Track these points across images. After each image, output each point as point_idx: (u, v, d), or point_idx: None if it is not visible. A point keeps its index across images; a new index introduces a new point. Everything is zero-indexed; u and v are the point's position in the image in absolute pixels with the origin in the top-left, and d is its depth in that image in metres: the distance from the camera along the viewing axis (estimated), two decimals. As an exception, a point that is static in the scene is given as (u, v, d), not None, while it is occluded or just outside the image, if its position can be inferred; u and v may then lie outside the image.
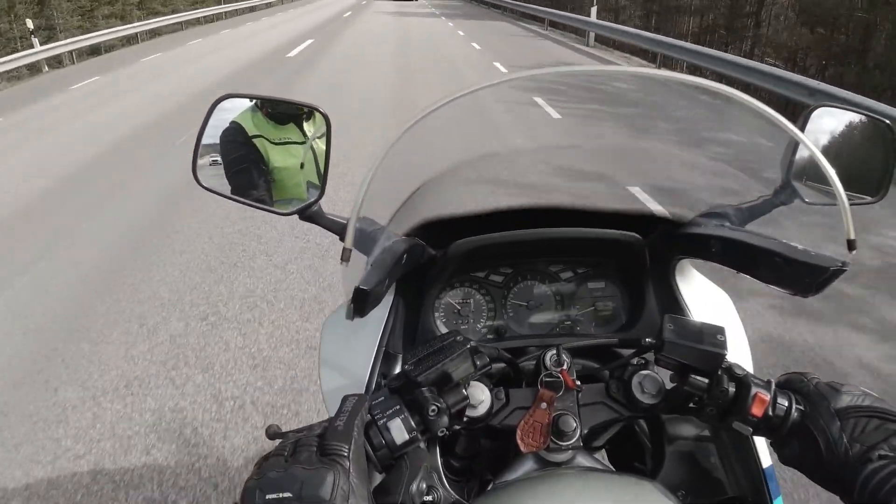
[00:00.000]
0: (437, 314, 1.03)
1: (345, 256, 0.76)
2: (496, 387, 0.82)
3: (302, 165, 0.95)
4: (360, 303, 0.71)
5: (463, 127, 6.62)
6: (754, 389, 0.70)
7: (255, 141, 0.99)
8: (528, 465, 0.81)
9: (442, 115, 0.73)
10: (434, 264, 0.96)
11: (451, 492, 0.82)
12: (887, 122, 0.96)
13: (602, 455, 0.95)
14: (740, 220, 0.93)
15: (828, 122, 0.93)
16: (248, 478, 0.58)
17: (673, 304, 0.99)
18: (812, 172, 0.89)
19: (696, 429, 0.90)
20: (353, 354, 0.92)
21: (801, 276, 0.75)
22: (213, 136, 0.94)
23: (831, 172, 0.72)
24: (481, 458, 0.95)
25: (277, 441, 0.63)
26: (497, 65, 12.10)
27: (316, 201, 0.89)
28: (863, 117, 0.96)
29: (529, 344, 0.96)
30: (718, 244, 0.87)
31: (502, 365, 0.87)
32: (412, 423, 0.67)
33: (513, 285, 1.06)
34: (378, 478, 0.68)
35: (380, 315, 0.94)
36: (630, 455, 0.97)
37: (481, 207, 0.95)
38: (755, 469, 0.85)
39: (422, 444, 0.69)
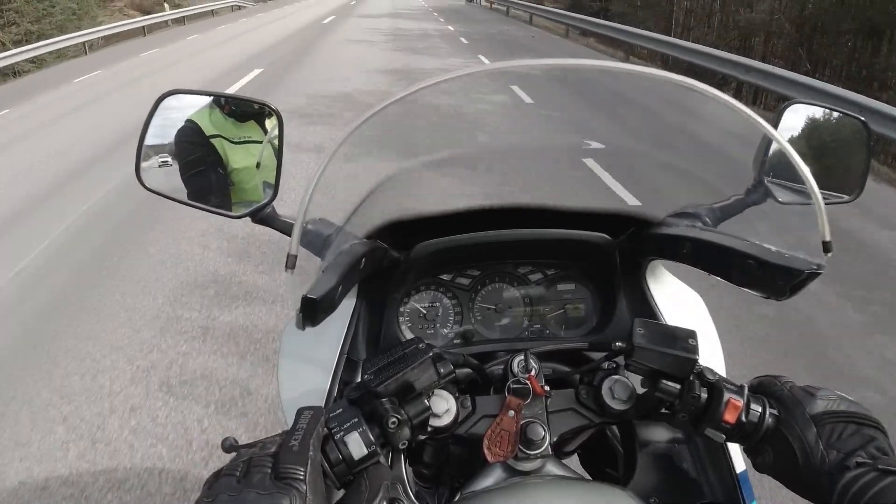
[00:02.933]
0: (401, 319, 1.00)
1: (289, 264, 0.71)
2: (462, 394, 0.79)
3: (258, 165, 0.92)
4: (310, 312, 0.67)
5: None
6: (727, 395, 0.68)
7: (214, 141, 0.95)
8: (496, 474, 0.79)
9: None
10: (397, 267, 0.92)
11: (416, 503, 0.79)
12: (862, 119, 0.94)
13: (574, 461, 0.92)
14: (712, 221, 0.91)
15: (802, 119, 0.92)
16: (198, 499, 0.54)
17: (644, 306, 0.97)
18: (785, 171, 0.87)
19: (669, 433, 0.88)
20: (313, 362, 0.89)
21: (775, 279, 0.73)
22: (160, 135, 0.90)
23: (805, 171, 0.70)
24: (449, 466, 0.92)
25: (231, 454, 0.60)
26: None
27: (269, 203, 0.85)
28: (837, 114, 0.95)
29: (497, 349, 0.93)
30: (690, 245, 0.85)
31: (468, 371, 0.84)
32: (371, 436, 0.64)
33: (480, 288, 1.03)
34: (336, 494, 0.65)
35: (341, 321, 0.90)
36: (602, 460, 0.95)
37: (446, 207, 0.91)
38: (729, 474, 0.83)
39: (381, 459, 0.65)
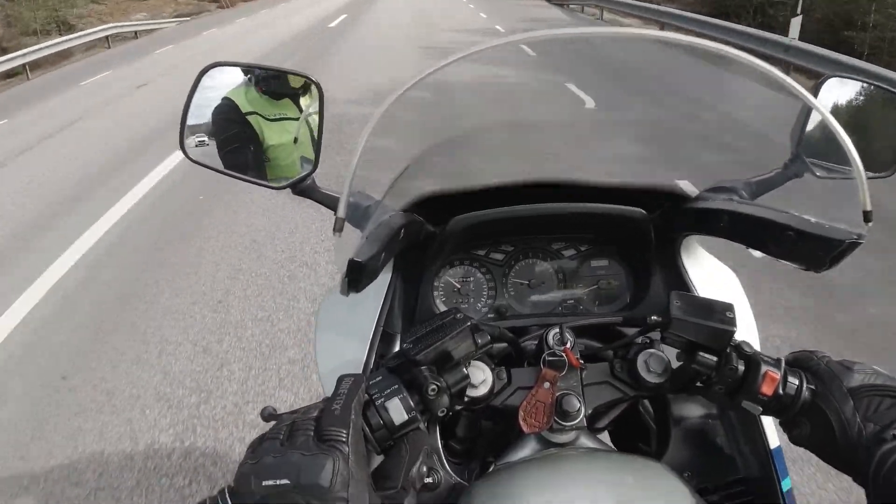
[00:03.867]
0: (436, 293, 1.01)
1: (337, 226, 0.73)
2: (497, 367, 0.80)
3: (296, 140, 0.93)
4: (355, 276, 0.68)
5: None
6: (764, 368, 0.68)
7: (250, 118, 0.97)
8: (530, 446, 0.79)
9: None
10: (433, 241, 0.93)
11: (452, 474, 0.80)
12: (900, 93, 0.93)
13: (605, 437, 0.93)
14: (749, 195, 0.90)
15: (840, 93, 0.91)
16: (241, 462, 0.56)
17: (679, 282, 0.96)
18: (823, 145, 0.86)
19: (703, 409, 0.88)
20: (350, 334, 0.90)
21: (815, 250, 0.72)
22: (200, 112, 0.91)
23: (847, 141, 0.69)
24: (482, 440, 0.93)
25: (272, 423, 0.61)
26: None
27: (309, 174, 0.87)
28: (875, 88, 0.93)
29: (531, 323, 0.94)
30: (727, 219, 0.85)
31: (503, 345, 0.85)
32: (411, 402, 0.65)
33: (514, 263, 1.03)
34: (377, 460, 0.66)
35: (377, 294, 0.92)
36: (634, 436, 0.96)
37: (482, 182, 0.92)
38: (763, 449, 0.83)
39: (421, 425, 0.67)
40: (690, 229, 0.94)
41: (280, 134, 0.97)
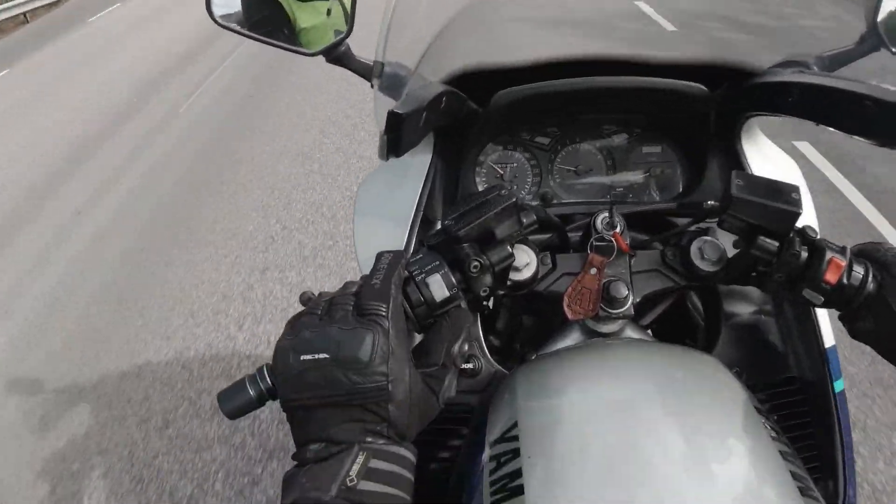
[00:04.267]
0: (478, 177, 0.97)
1: (376, 71, 0.69)
2: (542, 252, 0.76)
3: (329, 12, 0.87)
4: (395, 133, 0.64)
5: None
6: (829, 254, 0.63)
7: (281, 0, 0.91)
8: (574, 336, 0.78)
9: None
10: (474, 120, 0.89)
11: (493, 362, 0.78)
12: None
13: (649, 334, 0.90)
14: (821, 69, 0.83)
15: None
16: (280, 338, 0.54)
17: (737, 168, 0.90)
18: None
19: (755, 304, 0.84)
20: (390, 217, 0.87)
21: (894, 122, 0.66)
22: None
23: None
24: (522, 335, 0.91)
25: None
26: None
27: (342, 40, 0.81)
28: None
29: (578, 211, 0.90)
30: (798, 93, 0.77)
31: (548, 235, 0.81)
32: (452, 279, 0.62)
33: (560, 148, 0.98)
34: (417, 338, 0.64)
35: (417, 176, 0.88)
36: (681, 334, 0.93)
37: (527, 57, 0.85)
38: (817, 348, 0.79)
39: (463, 304, 0.64)
40: (756, 108, 0.87)
41: (312, 16, 0.91)
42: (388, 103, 0.69)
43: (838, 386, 0.79)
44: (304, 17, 0.91)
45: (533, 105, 0.89)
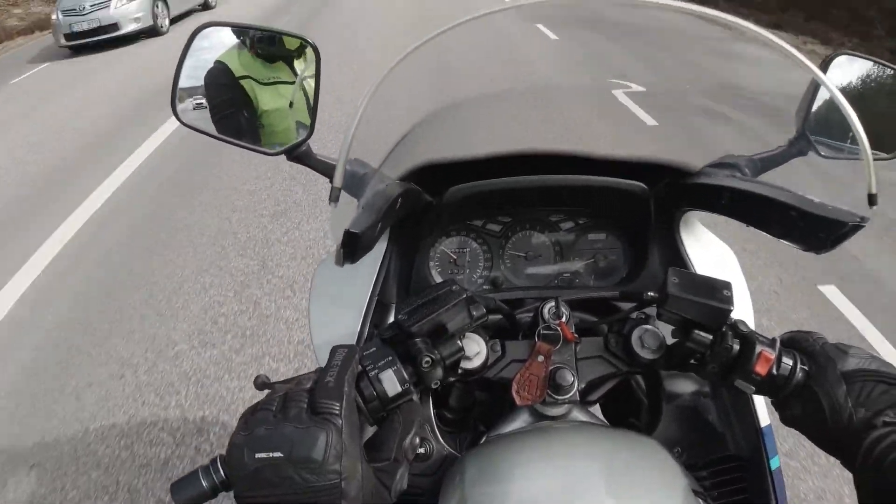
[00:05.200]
0: (432, 263, 1.00)
1: (333, 196, 0.73)
2: (492, 339, 0.79)
3: (291, 104, 0.91)
4: (351, 247, 0.67)
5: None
6: (759, 347, 0.67)
7: (243, 82, 0.94)
8: (522, 418, 0.79)
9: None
10: (430, 211, 0.92)
11: (444, 444, 0.80)
12: (910, 73, 0.91)
13: (596, 410, 0.93)
14: (752, 172, 0.89)
15: (849, 71, 0.89)
16: (234, 432, 0.55)
17: (676, 258, 0.96)
18: (829, 124, 0.85)
19: (695, 386, 0.88)
20: (344, 304, 0.89)
21: (817, 231, 0.71)
22: (193, 74, 0.89)
23: (856, 122, 0.68)
24: (475, 410, 0.93)
25: (265, 392, 0.60)
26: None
27: (304, 140, 0.84)
28: (885, 68, 0.92)
29: (527, 296, 0.93)
30: (728, 195, 0.83)
31: (498, 317, 0.84)
32: (405, 374, 0.64)
33: (511, 235, 1.02)
34: (369, 431, 0.65)
35: (373, 263, 0.91)
36: (625, 410, 0.96)
37: (479, 151, 0.90)
38: (753, 428, 0.83)
39: (415, 397, 0.66)
40: (691, 205, 0.93)
41: (274, 98, 0.94)
42: (346, 212, 0.72)
43: (774, 463, 0.83)
44: (266, 101, 0.94)
45: (484, 198, 0.94)
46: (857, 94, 0.90)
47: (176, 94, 0.87)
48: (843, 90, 0.89)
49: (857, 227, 0.68)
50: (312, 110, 0.85)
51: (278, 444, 0.52)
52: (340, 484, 0.52)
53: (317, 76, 0.86)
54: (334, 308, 0.91)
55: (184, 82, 0.89)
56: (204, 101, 0.90)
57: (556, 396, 0.75)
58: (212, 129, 0.89)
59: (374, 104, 0.69)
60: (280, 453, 0.52)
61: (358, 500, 0.54)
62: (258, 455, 0.52)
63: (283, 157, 0.86)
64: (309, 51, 0.89)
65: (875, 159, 0.83)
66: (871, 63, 0.92)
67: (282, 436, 0.53)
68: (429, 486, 0.77)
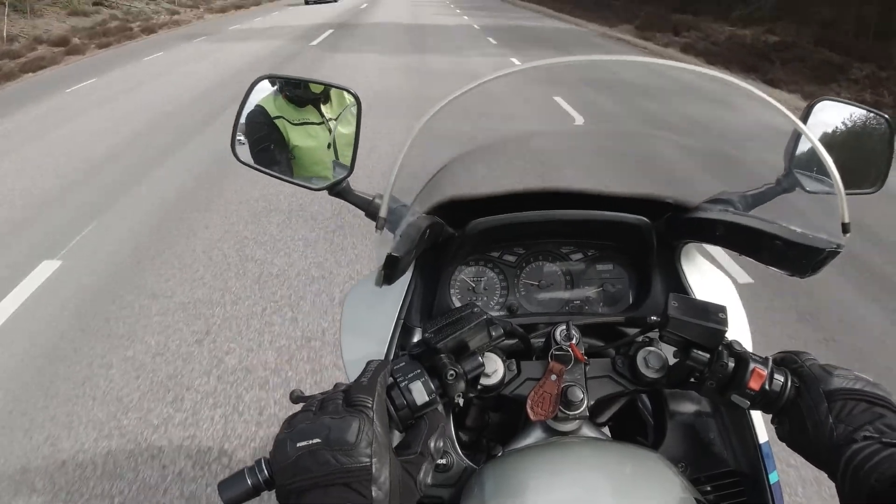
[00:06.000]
0: (452, 290, 1.06)
1: (379, 225, 0.83)
2: (508, 359, 0.85)
3: (329, 145, 1.00)
4: (391, 269, 0.74)
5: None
6: (752, 365, 0.73)
7: (277, 122, 1.03)
8: (536, 434, 0.85)
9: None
10: (452, 242, 0.99)
11: (464, 457, 0.86)
12: (886, 116, 1.00)
13: (606, 431, 0.99)
14: (744, 207, 0.97)
15: (829, 115, 0.98)
16: (278, 433, 0.61)
17: (678, 286, 1.02)
18: (813, 163, 0.93)
19: (697, 405, 0.94)
20: (373, 325, 0.96)
21: (799, 258, 0.79)
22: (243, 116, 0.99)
23: (829, 161, 0.76)
24: (489, 431, 0.98)
25: (301, 405, 0.67)
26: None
27: (345, 178, 0.94)
28: (863, 111, 1.00)
29: (540, 321, 0.99)
30: (723, 228, 0.91)
31: (514, 341, 0.90)
32: (432, 386, 0.71)
33: (525, 265, 1.09)
34: (398, 438, 0.71)
35: (399, 290, 0.97)
36: (632, 431, 1.01)
37: (498, 188, 0.98)
38: (752, 444, 0.88)
39: (440, 407, 0.72)
40: (689, 237, 1.00)
41: (303, 137, 1.04)
42: (385, 238, 0.80)
43: (773, 478, 0.87)
44: (297, 138, 1.03)
45: (502, 231, 1.01)
46: (838, 135, 0.99)
47: (235, 135, 0.97)
48: (826, 132, 0.98)
49: (833, 253, 0.75)
50: (353, 152, 0.95)
51: (316, 433, 0.58)
52: (371, 467, 0.57)
53: (357, 122, 0.97)
54: (363, 329, 0.98)
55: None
56: (243, 136, 0.99)
57: (568, 412, 0.81)
58: (270, 163, 1.00)
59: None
60: (318, 439, 0.57)
61: (385, 485, 0.58)
62: (299, 444, 0.57)
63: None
64: (337, 100, 1.00)
65: (856, 194, 0.91)
66: (851, 107, 1.01)
67: (320, 425, 0.59)
68: (449, 497, 0.82)
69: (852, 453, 0.64)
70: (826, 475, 0.68)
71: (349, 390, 0.64)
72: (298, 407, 0.65)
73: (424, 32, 17.28)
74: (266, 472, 0.62)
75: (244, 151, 0.99)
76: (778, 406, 0.73)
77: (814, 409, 0.69)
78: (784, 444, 0.75)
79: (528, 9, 26.68)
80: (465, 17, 21.64)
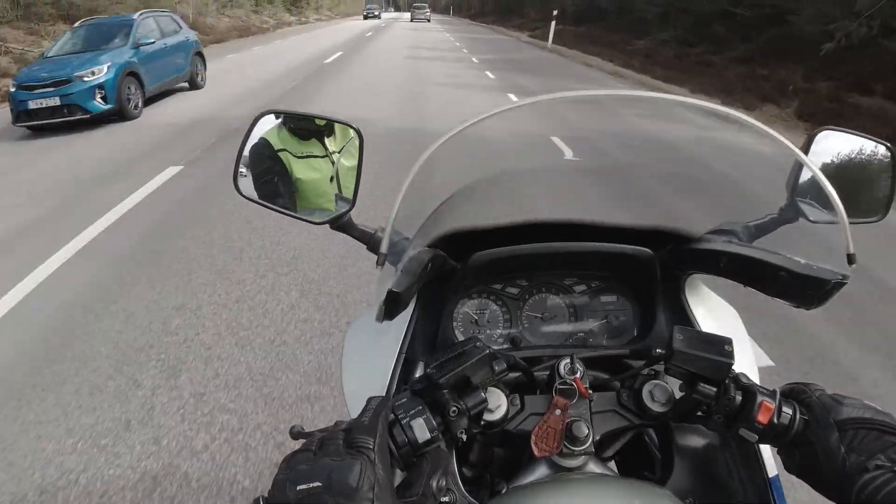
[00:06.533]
0: (455, 323, 1.06)
1: (380, 261, 0.83)
2: (512, 394, 0.84)
3: (332, 179, 1.00)
4: (392, 304, 0.74)
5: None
6: (760, 398, 0.73)
7: (280, 154, 1.04)
8: (541, 471, 0.83)
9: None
10: (454, 275, 0.99)
11: (467, 494, 0.84)
12: (888, 145, 1.00)
13: (612, 465, 0.97)
14: (747, 237, 0.97)
15: (831, 145, 0.98)
16: (276, 474, 0.60)
17: (682, 317, 1.02)
18: (816, 192, 0.93)
19: (705, 438, 0.92)
20: (374, 359, 0.95)
21: (805, 289, 0.78)
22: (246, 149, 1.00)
23: (832, 191, 0.76)
24: (493, 467, 0.97)
25: (301, 441, 0.66)
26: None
27: (347, 212, 0.95)
28: (865, 141, 1.00)
29: (544, 354, 0.98)
30: (727, 259, 0.91)
31: (517, 374, 0.89)
32: (434, 423, 0.70)
33: (528, 297, 1.09)
34: (400, 476, 0.70)
35: (401, 323, 0.97)
36: (639, 466, 1.00)
37: (500, 220, 0.98)
38: (761, 478, 0.87)
39: (442, 445, 0.71)
40: (693, 268, 1.00)
41: (306, 170, 1.04)
42: (387, 272, 0.80)
43: None
44: (300, 171, 1.03)
45: (505, 263, 1.01)
46: (839, 165, 0.99)
47: (238, 169, 0.97)
48: (828, 161, 0.98)
49: (839, 284, 0.75)
50: (355, 186, 0.95)
51: (317, 475, 0.56)
52: None
53: (359, 156, 0.97)
54: (366, 362, 0.97)
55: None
56: (245, 169, 1.00)
57: (573, 448, 0.80)
58: (267, 199, 1.00)
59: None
60: (319, 483, 0.56)
61: None
62: (299, 487, 0.56)
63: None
64: (340, 134, 1.02)
65: (860, 222, 0.91)
66: (852, 136, 1.01)
67: (321, 468, 0.57)
68: None
69: (864, 482, 0.64)
70: None
71: (350, 430, 0.63)
72: (297, 444, 0.65)
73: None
74: None
75: (247, 184, 0.99)
76: (787, 439, 0.72)
77: (825, 439, 0.68)
78: (792, 475, 0.74)
79: (593, 76, 15.74)
80: (490, 76, 14.29)
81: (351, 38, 27.45)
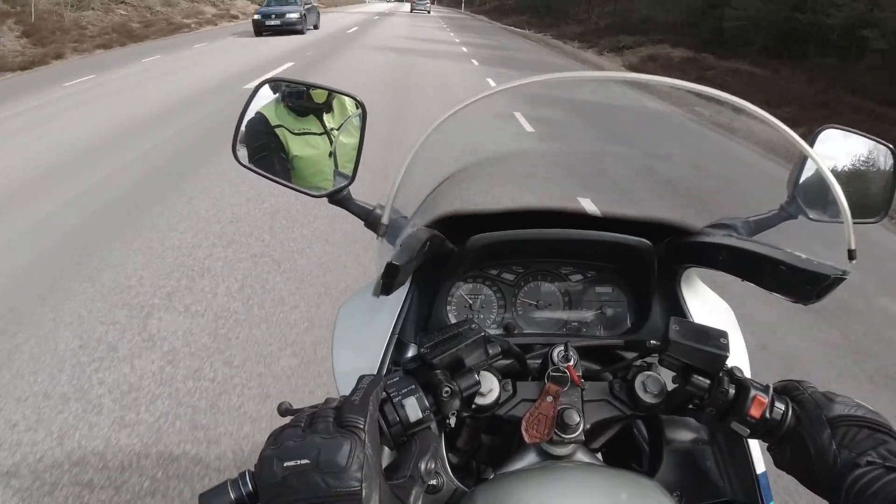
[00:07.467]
0: (449, 306, 1.05)
1: (381, 232, 0.83)
2: (504, 379, 0.84)
3: (330, 154, 0.99)
4: (390, 278, 0.73)
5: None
6: (753, 392, 0.72)
7: (277, 130, 1.02)
8: (529, 457, 0.83)
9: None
10: (450, 257, 0.98)
11: (455, 479, 0.83)
12: (890, 146, 1.00)
13: (600, 457, 0.97)
14: (747, 232, 0.96)
15: (834, 144, 0.97)
16: (263, 448, 0.59)
17: (677, 310, 1.01)
18: (817, 190, 0.92)
19: (694, 432, 0.92)
20: (366, 339, 0.94)
21: (804, 284, 0.77)
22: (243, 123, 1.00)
23: (836, 186, 0.75)
24: (481, 453, 0.96)
25: (289, 417, 0.65)
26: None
27: (345, 187, 0.93)
28: (868, 141, 1.00)
29: (537, 341, 0.97)
30: (725, 253, 0.90)
31: (510, 360, 0.88)
32: (426, 402, 0.69)
33: (523, 284, 1.08)
34: (389, 456, 0.69)
35: (394, 303, 0.96)
36: (627, 458, 0.99)
37: (500, 205, 0.97)
38: (749, 474, 0.86)
39: (433, 426, 0.70)
40: (691, 261, 0.99)
41: (303, 147, 1.02)
42: (384, 250, 0.79)
43: None
44: (296, 148, 1.02)
45: (502, 248, 1.00)
46: (842, 164, 0.98)
47: (237, 138, 0.95)
48: (830, 160, 0.98)
49: (839, 280, 0.74)
50: (356, 161, 0.94)
51: (306, 453, 0.56)
52: (361, 491, 0.55)
53: (362, 130, 0.96)
54: (357, 341, 0.96)
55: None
56: (242, 142, 0.99)
57: (563, 436, 0.79)
58: (268, 172, 0.98)
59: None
60: (307, 460, 0.55)
61: None
62: (286, 464, 0.55)
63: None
64: (339, 110, 0.99)
65: (860, 222, 0.90)
66: (855, 135, 1.00)
67: (309, 445, 0.56)
68: None
69: (855, 479, 0.64)
70: (826, 503, 0.67)
71: (341, 408, 0.62)
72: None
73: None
74: (250, 485, 0.60)
75: (244, 156, 0.98)
76: (778, 435, 0.72)
77: (816, 436, 0.68)
78: (782, 471, 0.73)
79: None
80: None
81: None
